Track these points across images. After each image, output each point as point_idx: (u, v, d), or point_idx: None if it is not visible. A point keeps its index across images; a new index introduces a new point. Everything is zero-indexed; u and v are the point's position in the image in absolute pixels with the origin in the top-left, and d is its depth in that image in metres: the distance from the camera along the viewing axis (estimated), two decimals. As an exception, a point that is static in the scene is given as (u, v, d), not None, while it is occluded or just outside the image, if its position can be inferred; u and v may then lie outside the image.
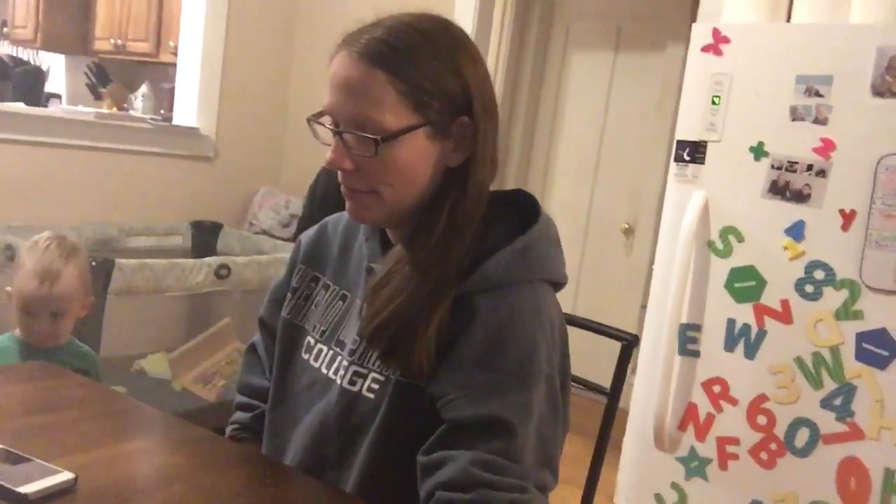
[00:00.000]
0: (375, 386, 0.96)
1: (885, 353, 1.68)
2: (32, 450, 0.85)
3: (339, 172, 0.93)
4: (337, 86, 0.91)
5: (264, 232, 3.45)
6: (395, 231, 1.02)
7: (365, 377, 0.97)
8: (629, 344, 1.27)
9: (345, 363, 1.00)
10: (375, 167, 0.90)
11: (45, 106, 4.25)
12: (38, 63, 4.72)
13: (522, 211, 1.00)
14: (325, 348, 1.04)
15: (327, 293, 1.08)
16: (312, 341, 1.06)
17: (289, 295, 1.12)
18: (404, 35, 0.91)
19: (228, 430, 1.19)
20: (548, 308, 0.94)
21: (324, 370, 1.03)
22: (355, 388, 0.97)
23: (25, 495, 0.77)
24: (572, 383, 1.32)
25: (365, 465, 0.95)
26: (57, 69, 4.97)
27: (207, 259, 2.65)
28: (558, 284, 1.00)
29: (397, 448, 0.92)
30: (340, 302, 1.05)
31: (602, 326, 1.31)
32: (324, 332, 1.05)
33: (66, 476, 0.81)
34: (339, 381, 0.99)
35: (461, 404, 0.87)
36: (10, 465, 0.82)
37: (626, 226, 3.97)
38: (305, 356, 1.07)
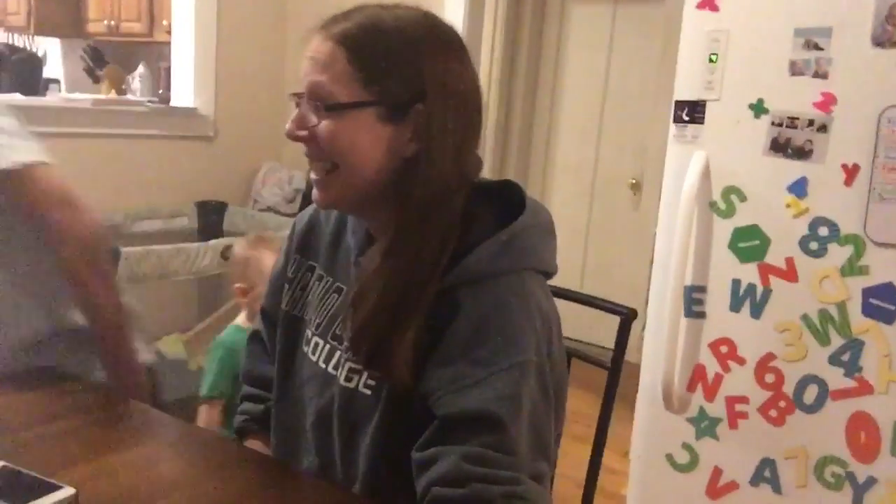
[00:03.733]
0: (372, 382, 0.96)
1: (893, 308, 1.66)
2: (33, 463, 0.87)
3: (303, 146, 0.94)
4: (305, 63, 0.93)
5: (269, 209, 3.46)
6: (373, 225, 1.02)
7: (360, 373, 0.97)
8: (627, 318, 1.26)
9: (343, 359, 1.00)
10: (325, 137, 0.91)
11: (44, 93, 4.24)
12: (33, 49, 4.69)
13: (509, 202, 0.98)
14: (321, 342, 1.04)
15: (321, 284, 1.07)
16: (310, 334, 1.06)
17: (286, 285, 1.12)
18: (373, 18, 0.92)
19: (237, 421, 1.19)
20: (535, 296, 0.93)
21: (322, 364, 1.03)
22: (352, 385, 0.98)
23: (27, 515, 0.78)
24: (575, 357, 1.33)
25: (368, 463, 0.96)
26: (53, 54, 4.94)
27: (212, 242, 2.67)
28: (548, 274, 0.99)
29: (397, 445, 0.92)
30: (335, 295, 1.05)
31: (600, 301, 1.31)
32: (319, 324, 1.05)
33: (67, 492, 0.82)
34: (338, 377, 1.00)
35: (450, 400, 0.87)
36: (10, 483, 0.83)
37: (633, 181, 3.94)
38: (305, 348, 1.07)
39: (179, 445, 1.02)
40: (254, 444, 1.14)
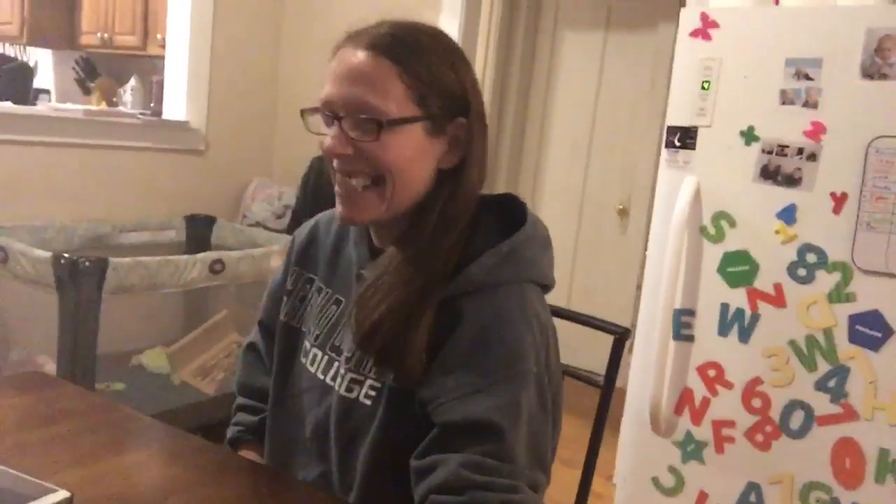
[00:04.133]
0: (372, 393, 0.96)
1: (878, 335, 1.68)
2: (28, 467, 0.86)
3: (336, 162, 0.93)
4: (341, 75, 0.91)
5: (258, 224, 3.45)
6: (380, 235, 1.02)
7: (362, 384, 0.97)
8: (621, 337, 1.27)
9: (342, 370, 1.00)
10: (377, 153, 0.90)
11: (35, 102, 4.23)
12: (25, 59, 4.68)
13: (511, 214, 1.00)
14: (319, 353, 1.04)
15: (320, 296, 1.08)
16: (308, 345, 1.07)
17: (285, 297, 1.12)
18: (410, 31, 0.94)
19: (232, 431, 1.18)
20: (534, 308, 0.94)
21: (320, 375, 1.03)
22: (353, 395, 0.98)
23: (22, 517, 0.77)
24: (567, 375, 1.34)
25: (365, 471, 0.96)
26: (45, 64, 4.93)
27: (201, 255, 2.65)
28: (546, 286, 1.00)
29: (395, 453, 0.93)
30: (334, 307, 1.06)
31: (594, 320, 1.31)
32: (318, 336, 1.06)
33: (62, 495, 0.81)
34: (337, 388, 1.00)
35: (450, 408, 0.87)
36: (6, 486, 0.82)
37: (621, 206, 3.97)
38: (303, 360, 1.07)
39: (173, 452, 1.02)
40: (248, 454, 1.14)
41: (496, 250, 0.93)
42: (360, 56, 0.90)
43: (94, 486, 0.86)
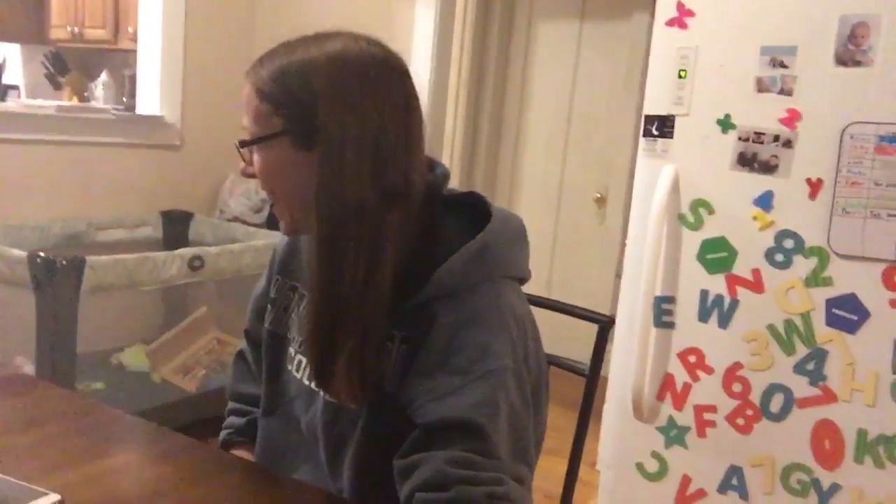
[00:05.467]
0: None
1: (855, 318, 1.71)
2: (17, 471, 0.85)
3: None
4: None
5: (236, 218, 3.43)
6: None
7: None
8: (605, 326, 1.28)
9: None
10: (259, 172, 0.96)
11: (4, 99, 4.16)
12: (-8, 55, 4.59)
13: (476, 212, 0.99)
14: (303, 359, 1.05)
15: (303, 303, 1.08)
16: (293, 352, 1.07)
17: (269, 306, 1.13)
18: (275, 53, 0.96)
19: (222, 434, 1.20)
20: (509, 304, 0.95)
21: (305, 381, 1.04)
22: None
23: (13, 521, 0.77)
24: (552, 364, 1.35)
25: (353, 473, 0.96)
26: (13, 60, 4.84)
27: (180, 251, 2.63)
28: (522, 279, 1.01)
29: (381, 456, 0.93)
30: None
31: (579, 309, 1.33)
32: (301, 342, 1.06)
33: (53, 498, 0.81)
34: (322, 393, 1.00)
35: (430, 409, 0.88)
36: (-4, 491, 0.81)
37: (598, 195, 4.00)
38: (290, 366, 1.07)
39: (162, 452, 1.01)
40: (240, 454, 1.15)
41: (465, 251, 0.93)
42: (245, 87, 0.97)
43: (85, 489, 0.86)
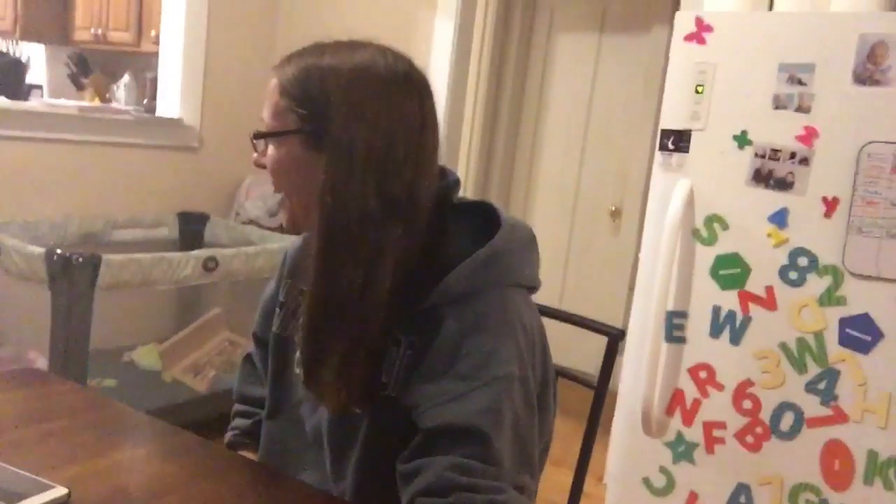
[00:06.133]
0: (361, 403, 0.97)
1: (868, 338, 1.70)
2: (25, 463, 0.86)
3: None
4: None
5: (251, 221, 3.45)
6: None
7: None
8: (615, 338, 1.28)
9: None
10: (269, 166, 0.97)
11: (27, 98, 4.21)
12: (17, 54, 4.65)
13: (487, 220, 1.00)
14: None
15: None
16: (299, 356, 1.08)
17: (277, 309, 1.13)
18: (305, 53, 0.97)
19: (228, 435, 1.21)
20: (517, 311, 0.95)
21: None
22: None
23: (20, 513, 0.78)
24: (561, 376, 1.35)
25: (356, 477, 0.97)
26: (37, 60, 4.91)
27: (195, 252, 2.65)
28: (532, 288, 1.01)
29: (384, 460, 0.93)
30: None
31: (589, 321, 1.32)
32: None
33: (59, 491, 0.82)
34: None
35: (434, 413, 0.88)
36: (4, 482, 0.82)
37: (613, 208, 3.99)
38: (297, 370, 1.08)
39: (169, 449, 1.02)
40: (245, 455, 1.15)
41: (473, 258, 0.93)
42: (271, 80, 0.98)
43: (91, 483, 0.86)
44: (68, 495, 0.82)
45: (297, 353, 1.08)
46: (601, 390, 1.28)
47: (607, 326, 1.29)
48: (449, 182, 1.01)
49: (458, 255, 0.94)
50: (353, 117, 0.91)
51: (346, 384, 0.91)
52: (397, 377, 0.93)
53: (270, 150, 0.96)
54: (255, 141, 0.99)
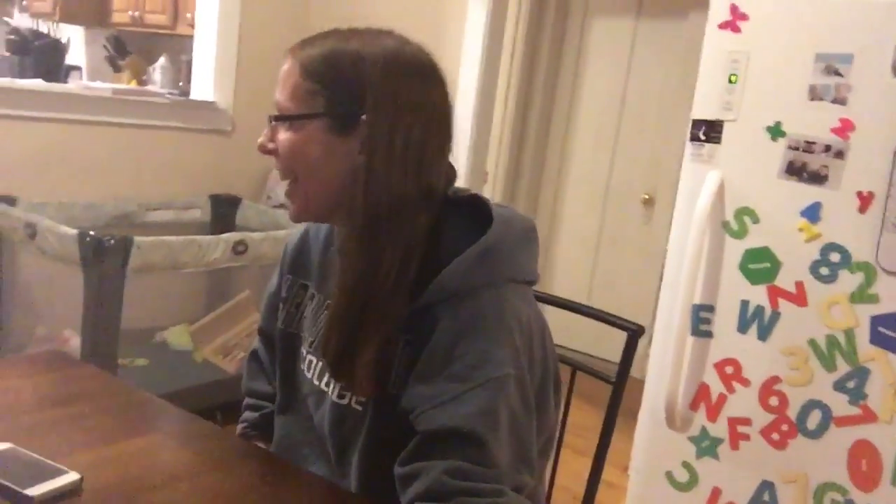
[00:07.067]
0: (363, 398, 0.97)
1: (900, 337, 1.66)
2: (41, 447, 0.88)
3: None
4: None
5: (282, 206, 3.47)
6: (339, 239, 1.03)
7: None
8: (634, 334, 1.26)
9: None
10: (284, 150, 0.95)
11: (66, 79, 4.28)
12: (57, 36, 4.73)
13: (476, 213, 0.99)
14: (314, 359, 1.06)
15: (313, 303, 1.09)
16: (304, 351, 1.08)
17: (281, 305, 1.13)
18: (333, 38, 0.96)
19: (238, 428, 1.22)
20: (513, 309, 0.93)
21: (315, 381, 1.05)
22: (344, 401, 1.00)
23: (31, 497, 0.79)
24: (580, 370, 1.34)
25: (359, 475, 0.97)
26: (76, 41, 4.98)
27: (224, 235, 2.68)
28: (530, 282, 1.00)
29: (386, 459, 0.93)
30: (326, 312, 1.06)
31: (608, 316, 1.31)
32: (312, 342, 1.06)
33: (72, 476, 0.83)
34: (330, 394, 1.01)
35: (430, 416, 0.88)
36: (18, 466, 0.84)
37: (646, 196, 3.94)
38: (302, 366, 1.08)
39: (183, 436, 1.04)
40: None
41: (467, 254, 0.92)
42: (286, 63, 0.97)
43: (104, 469, 0.88)
44: (81, 480, 0.83)
45: (302, 350, 1.08)
46: (619, 385, 1.27)
47: (627, 322, 1.28)
48: (447, 174, 1.00)
49: (453, 251, 0.93)
50: (393, 104, 0.91)
51: (376, 371, 0.92)
52: (397, 375, 0.92)
53: (286, 134, 0.95)
54: (272, 124, 0.97)
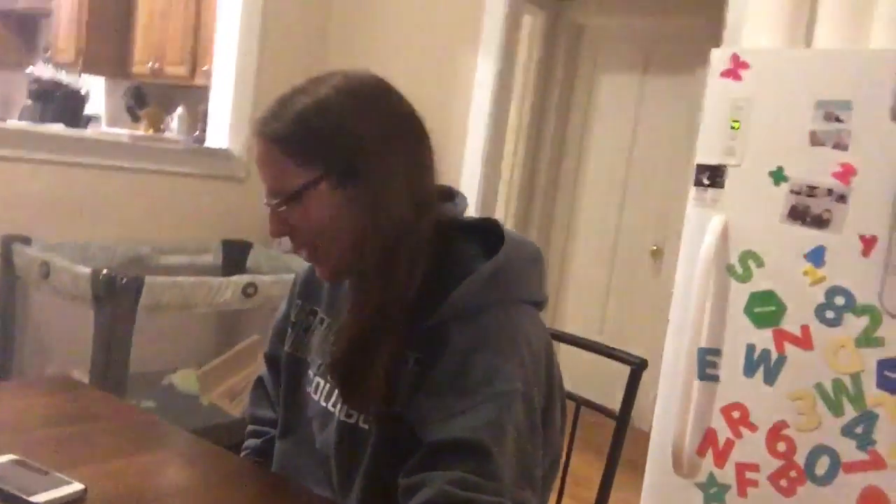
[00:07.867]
0: (370, 417, 0.98)
1: (907, 381, 1.65)
2: (47, 460, 0.89)
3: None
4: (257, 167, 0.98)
5: (292, 251, 3.51)
6: None
7: None
8: (638, 368, 1.27)
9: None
10: (301, 226, 0.95)
11: (85, 127, 4.38)
12: (78, 86, 4.86)
13: (492, 236, 1.01)
14: (321, 381, 1.07)
15: (323, 326, 1.11)
16: (312, 374, 1.10)
17: (289, 329, 1.16)
18: (292, 103, 0.96)
19: (241, 455, 1.22)
20: (522, 328, 0.95)
21: (322, 402, 1.06)
22: (352, 420, 1.01)
23: (36, 505, 0.80)
24: (583, 406, 1.34)
25: (362, 493, 0.98)
26: (97, 92, 5.11)
27: (235, 277, 2.71)
28: (539, 303, 1.01)
29: (390, 475, 0.94)
30: (336, 333, 1.07)
31: (611, 350, 1.32)
32: (320, 365, 1.08)
33: (76, 487, 0.84)
34: (337, 414, 1.02)
35: (437, 428, 0.89)
36: (24, 475, 0.85)
37: (655, 248, 3.96)
38: (308, 388, 1.10)
39: (186, 455, 1.04)
40: None
41: (478, 275, 0.94)
42: (257, 145, 0.96)
43: (109, 482, 0.89)
44: (85, 491, 0.84)
45: (310, 373, 1.09)
46: (623, 418, 1.27)
47: (629, 355, 1.28)
48: (457, 203, 1.03)
49: (463, 271, 0.95)
50: (387, 140, 0.94)
51: (386, 389, 0.93)
52: (404, 392, 0.94)
53: (298, 211, 0.94)
54: (277, 211, 0.95)
